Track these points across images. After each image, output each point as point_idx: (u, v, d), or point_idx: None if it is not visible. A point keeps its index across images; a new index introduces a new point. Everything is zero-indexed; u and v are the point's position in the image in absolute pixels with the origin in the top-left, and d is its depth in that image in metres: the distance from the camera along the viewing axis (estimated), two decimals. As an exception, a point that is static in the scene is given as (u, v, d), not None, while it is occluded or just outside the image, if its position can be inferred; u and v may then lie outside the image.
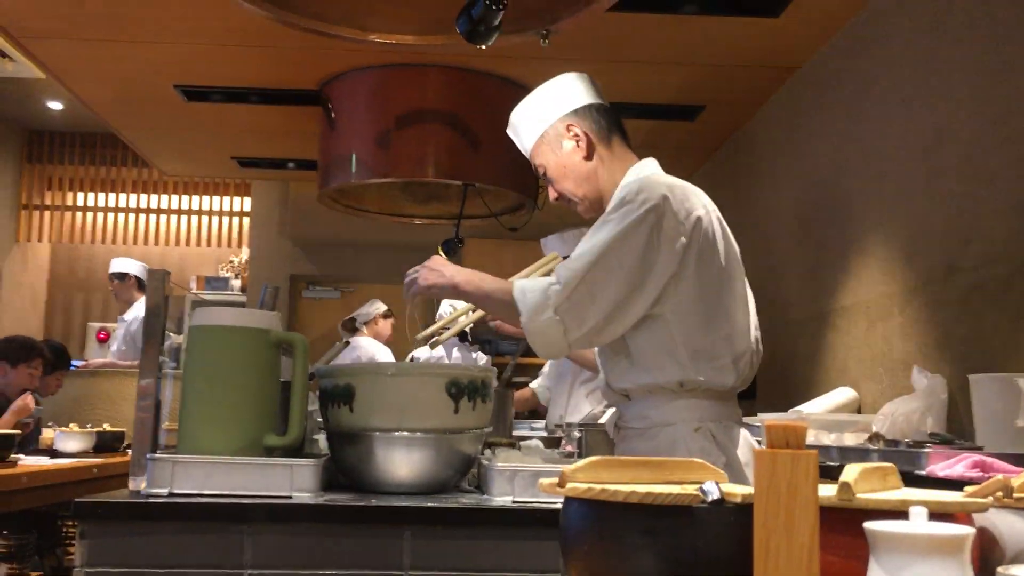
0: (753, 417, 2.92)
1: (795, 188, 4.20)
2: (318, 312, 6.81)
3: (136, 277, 5.81)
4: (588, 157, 2.01)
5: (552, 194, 2.09)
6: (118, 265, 5.85)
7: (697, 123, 4.81)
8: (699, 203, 1.91)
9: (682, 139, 5.09)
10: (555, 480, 0.77)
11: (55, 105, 6.55)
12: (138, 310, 5.95)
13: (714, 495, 0.72)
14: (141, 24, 3.79)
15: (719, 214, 1.98)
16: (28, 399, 3.76)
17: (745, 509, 0.70)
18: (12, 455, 3.05)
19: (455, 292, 1.96)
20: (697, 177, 5.35)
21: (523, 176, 4.47)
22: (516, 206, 4.83)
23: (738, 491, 0.76)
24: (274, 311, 1.76)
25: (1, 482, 2.78)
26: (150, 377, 1.67)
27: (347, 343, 4.08)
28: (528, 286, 1.85)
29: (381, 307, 5.81)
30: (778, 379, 4.10)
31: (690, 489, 0.75)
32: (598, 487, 0.73)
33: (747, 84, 4.30)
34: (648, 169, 2.01)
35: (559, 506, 0.79)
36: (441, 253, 4.74)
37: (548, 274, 2.08)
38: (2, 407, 3.94)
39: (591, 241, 1.85)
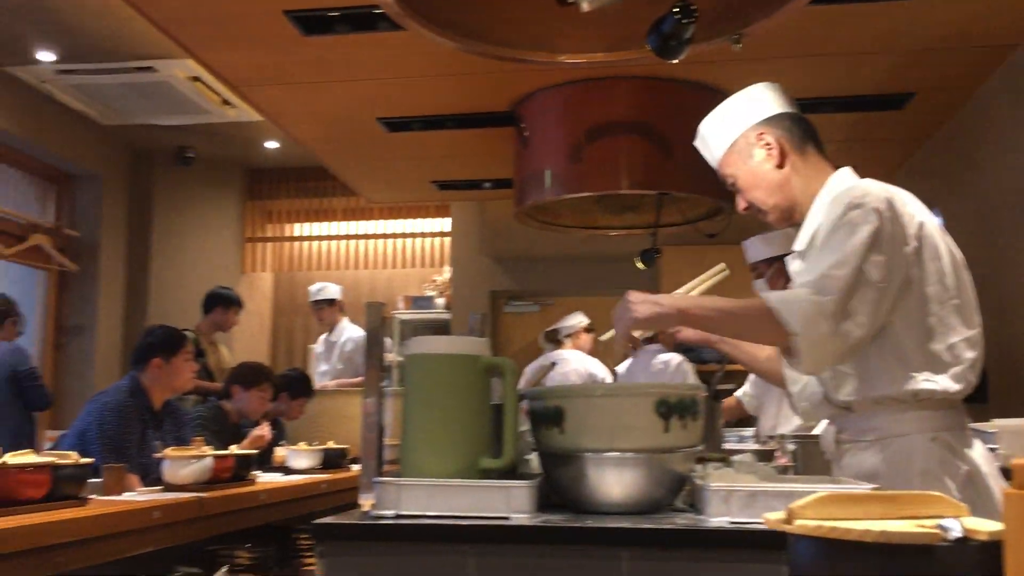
0: (987, 423, 2.72)
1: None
2: (518, 326, 6.95)
3: (336, 300, 6.28)
4: (780, 165, 1.96)
5: (741, 204, 2.06)
6: (325, 292, 6.31)
7: (907, 111, 4.55)
8: (918, 207, 1.84)
9: (889, 130, 4.82)
10: (782, 515, 0.75)
11: (271, 144, 7.06)
12: (347, 331, 6.35)
13: (956, 532, 0.68)
14: (345, 66, 4.04)
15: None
16: (265, 430, 4.05)
17: (991, 547, 0.65)
18: (250, 474, 3.31)
19: (682, 318, 1.85)
20: (905, 170, 5.04)
21: (718, 181, 4.39)
22: (712, 211, 4.74)
23: (982, 527, 0.72)
24: (482, 337, 1.82)
25: (243, 499, 3.02)
26: (374, 399, 1.76)
27: (552, 364, 4.15)
28: (788, 297, 1.77)
29: (583, 320, 5.79)
30: (1012, 382, 3.79)
31: (928, 525, 0.72)
32: (828, 524, 0.70)
33: (961, 65, 4.02)
34: (851, 178, 1.95)
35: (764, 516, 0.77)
36: (639, 264, 4.72)
37: (712, 289, 2.05)
38: (236, 427, 4.28)
39: (838, 247, 1.76)
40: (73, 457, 2.39)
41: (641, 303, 1.82)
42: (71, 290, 6.26)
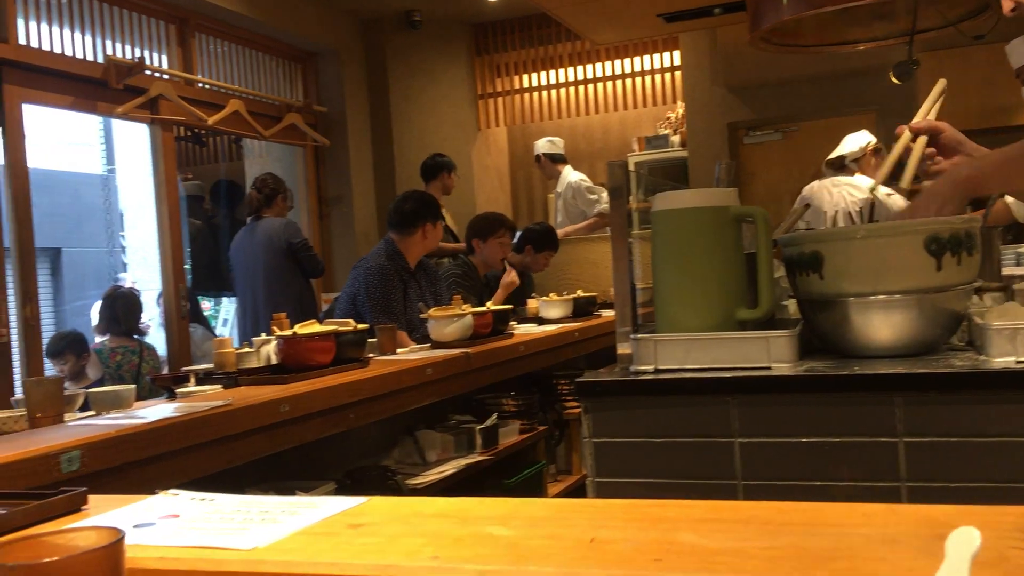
0: None
1: None
2: (760, 157, 6.66)
3: (543, 155, 6.48)
4: None
5: (1007, 5, 1.80)
6: (535, 148, 6.55)
7: None
8: None
9: None
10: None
11: (492, -4, 7.02)
12: (566, 179, 6.51)
13: None
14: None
15: None
16: (513, 275, 4.22)
17: None
18: (508, 327, 3.47)
19: (999, 171, 1.67)
20: None
21: (983, -27, 3.88)
22: (977, 8, 4.22)
23: None
24: (729, 186, 1.76)
25: (505, 352, 3.18)
26: (622, 256, 1.76)
27: (806, 206, 3.92)
28: None
29: (869, 139, 4.90)
30: None
31: None
32: None
33: None
34: None
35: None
36: (893, 79, 4.34)
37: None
38: (485, 280, 4.49)
39: None
40: (351, 324, 2.60)
41: (944, 183, 1.68)
42: (326, 164, 6.68)
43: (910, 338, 1.60)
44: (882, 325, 1.60)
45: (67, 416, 1.92)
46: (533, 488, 3.30)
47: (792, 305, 1.89)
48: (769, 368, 1.57)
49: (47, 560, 0.60)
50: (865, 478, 1.46)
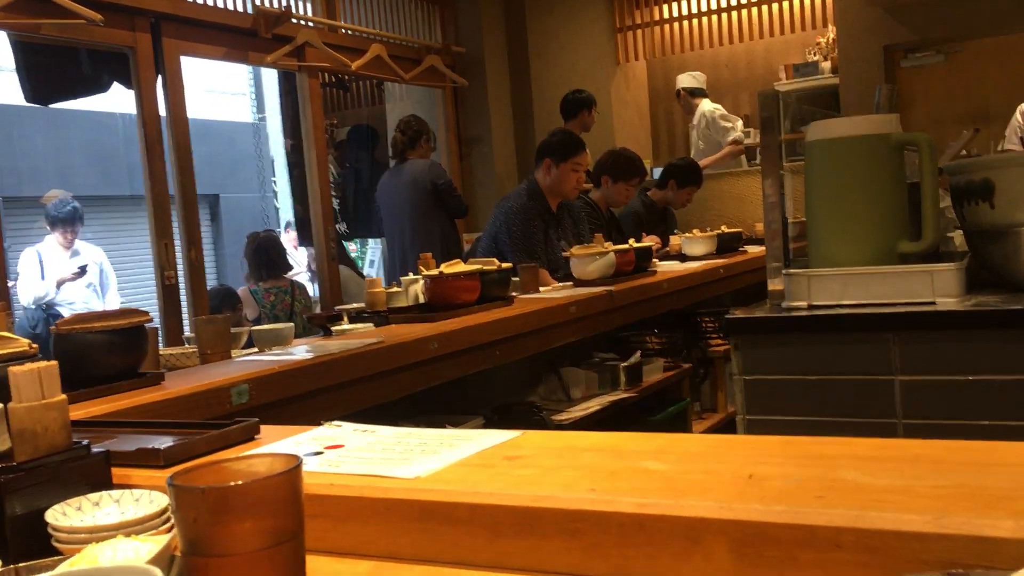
0: None
1: None
2: (921, 81, 6.27)
3: (683, 89, 6.41)
4: None
5: None
6: (684, 81, 6.44)
7: None
8: None
9: None
10: None
11: (629, -75, 6.82)
12: (700, 110, 6.45)
13: None
14: None
15: None
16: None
17: None
18: (651, 264, 3.43)
19: None
20: None
21: None
22: None
23: None
24: (890, 112, 1.66)
25: (648, 289, 3.16)
26: (772, 183, 1.69)
27: (976, 130, 3.65)
28: None
29: None
30: None
31: None
32: None
33: None
34: None
35: None
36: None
37: None
38: (609, 216, 4.45)
39: None
40: (495, 263, 2.64)
41: None
42: (465, 104, 6.72)
43: (1092, 270, 1.49)
44: (1059, 256, 1.49)
45: (233, 353, 2.03)
46: (678, 426, 3.28)
47: (958, 237, 1.79)
48: (934, 303, 1.50)
49: (233, 484, 0.64)
50: (1038, 418, 1.38)
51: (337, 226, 5.55)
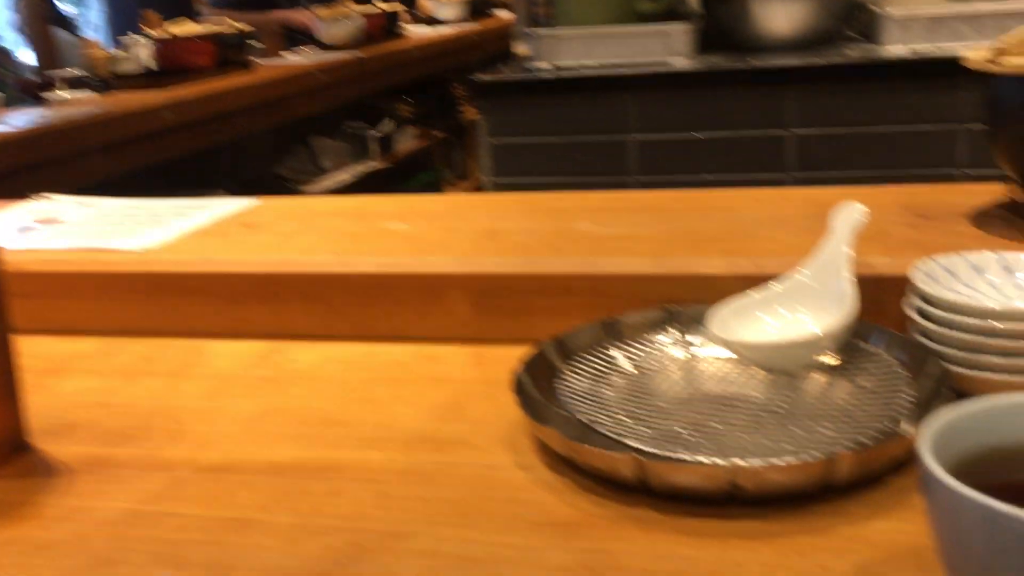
0: None
1: None
2: None
3: None
4: None
5: None
6: None
7: None
8: None
9: None
10: (985, 55, 0.68)
11: None
12: None
13: None
14: None
15: None
16: None
17: None
18: (397, 28, 3.31)
19: None
20: None
21: None
22: None
23: None
24: None
25: (399, 56, 3.06)
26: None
27: None
28: None
29: None
30: None
31: None
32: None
33: None
34: None
35: (963, 55, 0.70)
36: None
37: None
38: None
39: None
40: (229, 23, 2.43)
41: None
42: None
43: (808, 28, 1.59)
44: (778, 15, 1.57)
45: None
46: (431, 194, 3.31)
47: (695, -2, 1.84)
48: (667, 63, 1.55)
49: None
50: (758, 170, 1.50)
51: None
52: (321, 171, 2.84)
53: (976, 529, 0.31)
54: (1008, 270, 0.57)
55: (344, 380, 0.68)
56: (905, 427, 0.49)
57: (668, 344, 0.63)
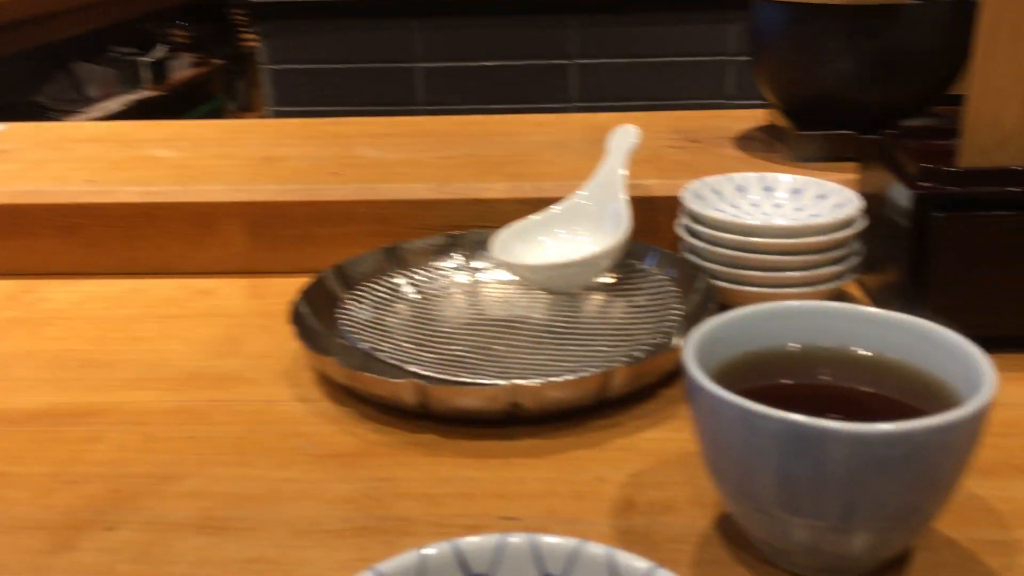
0: None
1: None
2: None
3: None
4: None
5: None
6: None
7: None
8: None
9: None
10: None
11: None
12: None
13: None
14: None
15: None
16: None
17: (963, 6, 0.62)
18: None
19: None
20: None
21: None
22: None
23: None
24: None
25: (168, -26, 2.85)
26: None
27: None
28: None
29: None
30: None
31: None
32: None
33: None
34: None
35: None
36: None
37: None
38: None
39: None
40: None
41: None
42: None
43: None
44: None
45: None
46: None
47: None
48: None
49: None
50: (543, 100, 1.52)
51: None
52: (86, 100, 2.61)
53: (734, 429, 0.33)
54: (768, 189, 0.61)
55: (106, 319, 0.63)
56: (676, 341, 0.51)
57: (452, 269, 0.63)
